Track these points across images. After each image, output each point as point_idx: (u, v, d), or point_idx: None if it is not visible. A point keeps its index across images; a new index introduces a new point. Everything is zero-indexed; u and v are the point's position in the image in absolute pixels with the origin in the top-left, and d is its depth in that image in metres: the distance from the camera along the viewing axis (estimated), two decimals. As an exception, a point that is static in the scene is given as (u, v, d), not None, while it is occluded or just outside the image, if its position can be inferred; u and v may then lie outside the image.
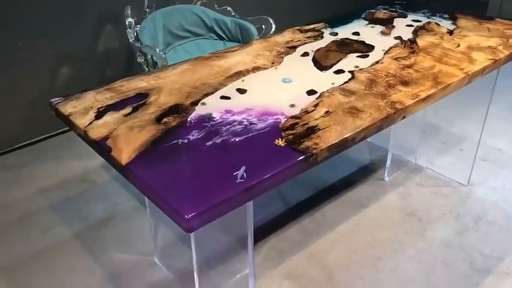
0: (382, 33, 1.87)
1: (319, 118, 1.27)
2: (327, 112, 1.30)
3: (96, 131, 1.21)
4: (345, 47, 1.75)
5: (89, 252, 1.84)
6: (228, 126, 1.25)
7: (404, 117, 1.35)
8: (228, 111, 1.33)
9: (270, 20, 2.35)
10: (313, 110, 1.31)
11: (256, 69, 1.58)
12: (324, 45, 1.77)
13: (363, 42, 1.79)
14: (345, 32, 1.90)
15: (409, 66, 1.56)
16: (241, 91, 1.44)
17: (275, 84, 1.47)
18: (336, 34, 1.88)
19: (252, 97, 1.40)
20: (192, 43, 2.46)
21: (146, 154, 1.13)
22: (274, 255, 1.80)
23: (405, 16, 2.09)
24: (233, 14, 2.49)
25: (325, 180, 2.23)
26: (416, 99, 1.36)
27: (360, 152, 2.43)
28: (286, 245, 1.84)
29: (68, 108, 1.32)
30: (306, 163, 1.13)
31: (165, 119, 1.27)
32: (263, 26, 2.38)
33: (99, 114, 1.29)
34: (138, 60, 2.22)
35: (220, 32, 2.50)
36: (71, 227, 1.98)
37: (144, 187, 1.05)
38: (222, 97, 1.40)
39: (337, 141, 1.18)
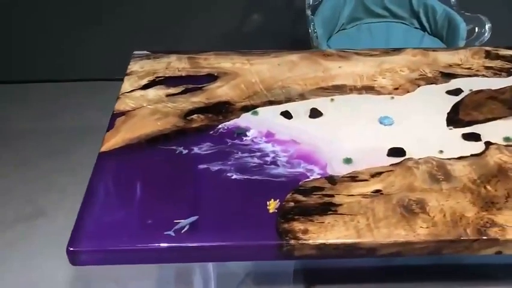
0: None
1: (355, 196, 0.87)
2: (377, 192, 0.88)
3: (125, 102, 1.12)
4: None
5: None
6: (246, 154, 0.98)
7: (499, 253, 0.80)
8: (269, 135, 1.04)
9: (486, 22, 1.71)
10: (365, 180, 0.91)
11: (366, 89, 1.18)
12: (496, 88, 1.19)
13: None
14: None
15: None
16: (314, 114, 1.10)
17: (367, 120, 1.07)
18: (538, 76, 1.24)
19: (318, 127, 1.05)
20: (384, 25, 2.02)
21: (130, 150, 0.98)
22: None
23: None
24: (453, 2, 1.92)
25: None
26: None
27: None
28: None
29: (135, 66, 1.25)
30: (273, 251, 0.80)
31: (194, 116, 1.08)
32: (476, 29, 1.77)
33: (149, 85, 1.18)
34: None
35: (424, 21, 1.97)
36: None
37: (89, 187, 0.91)
38: (283, 113, 1.11)
39: (337, 242, 0.79)
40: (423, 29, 2.00)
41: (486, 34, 1.73)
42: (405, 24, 2.03)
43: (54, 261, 1.50)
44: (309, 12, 1.91)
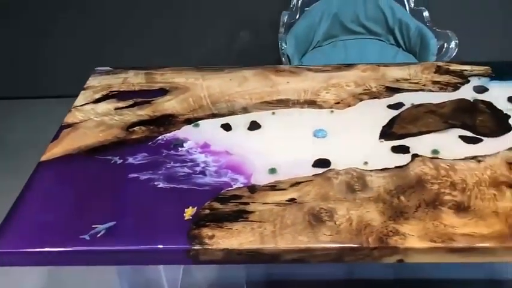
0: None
1: (269, 204, 0.90)
2: (291, 200, 0.91)
3: (74, 115, 1.18)
4: (462, 115, 1.14)
5: None
6: (178, 164, 1.02)
7: (400, 261, 0.81)
8: (205, 146, 1.08)
9: (453, 38, 1.73)
10: (284, 189, 0.93)
11: (309, 103, 1.21)
12: (437, 102, 1.20)
13: (502, 118, 1.13)
14: (503, 91, 1.22)
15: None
16: (253, 126, 1.14)
17: (303, 132, 1.10)
18: (483, 91, 1.24)
19: (254, 139, 1.09)
20: (360, 42, 2.05)
21: (68, 159, 1.03)
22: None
23: None
24: (426, 20, 1.94)
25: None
26: (433, 244, 0.79)
27: None
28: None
29: (94, 82, 1.32)
30: (181, 256, 0.83)
31: (136, 128, 1.13)
32: (444, 44, 1.78)
33: (102, 99, 1.24)
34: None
35: (399, 37, 1.99)
36: None
37: (21, 193, 0.96)
38: (223, 126, 1.15)
39: (240, 248, 0.82)
40: (398, 45, 2.02)
41: (453, 49, 1.75)
42: (381, 40, 2.06)
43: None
44: (282, 30, 1.96)
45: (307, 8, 2.07)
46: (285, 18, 1.99)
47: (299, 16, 2.07)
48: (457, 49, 1.71)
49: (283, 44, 1.78)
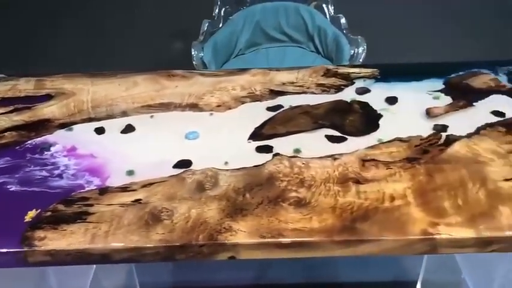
0: (429, 113, 1.15)
1: (114, 205, 0.89)
2: (136, 201, 0.90)
3: None
4: (335, 115, 1.15)
5: None
6: (38, 168, 1.01)
7: (232, 258, 0.81)
8: (72, 149, 1.07)
9: (362, 44, 1.76)
10: (134, 190, 0.93)
11: (190, 107, 1.22)
12: (317, 103, 1.22)
13: (374, 117, 1.15)
14: (384, 92, 1.22)
15: (367, 181, 0.90)
16: (127, 129, 1.14)
17: (175, 134, 1.10)
18: (365, 92, 1.26)
19: (124, 142, 1.08)
20: (282, 49, 2.07)
21: None
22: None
23: (521, 95, 1.23)
24: (343, 26, 1.97)
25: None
26: (259, 240, 0.79)
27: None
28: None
29: (-20, 89, 1.32)
30: (13, 258, 0.82)
31: (7, 133, 1.12)
32: (355, 50, 1.82)
33: (-18, 105, 1.24)
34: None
35: (318, 44, 2.03)
36: None
37: None
38: (97, 129, 1.14)
39: (68, 248, 0.81)
40: (318, 51, 2.06)
41: (361, 54, 1.78)
42: (302, 48, 2.09)
43: None
44: (201, 38, 1.97)
45: (231, 17, 2.10)
46: (205, 26, 2.00)
47: (222, 25, 2.10)
48: (364, 54, 1.75)
49: (196, 51, 1.79)
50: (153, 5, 2.59)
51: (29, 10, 2.42)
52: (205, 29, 2.00)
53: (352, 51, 1.85)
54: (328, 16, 2.06)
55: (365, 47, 1.76)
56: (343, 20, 1.99)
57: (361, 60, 1.76)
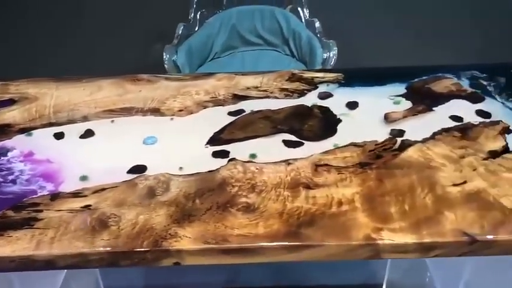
0: (387, 118, 1.16)
1: (63, 211, 0.88)
2: (86, 207, 0.91)
3: None
4: (294, 120, 1.15)
5: None
6: (-7, 173, 1.02)
7: (177, 264, 0.81)
8: (29, 154, 1.07)
9: (333, 48, 1.77)
10: (85, 196, 0.93)
11: (152, 111, 1.22)
12: (279, 107, 1.22)
13: (333, 122, 1.16)
14: (345, 97, 1.22)
15: (317, 186, 0.90)
16: (86, 134, 1.14)
17: (134, 139, 1.10)
18: (327, 97, 1.27)
19: (82, 147, 1.08)
20: (257, 53, 2.08)
21: None
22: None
23: (480, 99, 1.24)
24: (318, 30, 1.98)
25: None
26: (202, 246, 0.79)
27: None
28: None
29: None
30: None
31: (-36, 138, 1.13)
32: (327, 53, 1.82)
33: None
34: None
35: (293, 47, 2.04)
36: None
37: None
38: (56, 134, 1.14)
39: (12, 255, 0.80)
40: (293, 55, 2.07)
41: (332, 58, 1.79)
42: (277, 51, 2.10)
43: None
44: (175, 41, 1.98)
45: (207, 20, 2.11)
46: (180, 29, 2.01)
47: (198, 28, 2.11)
48: (335, 58, 1.76)
49: (168, 55, 1.80)
50: (133, 8, 2.60)
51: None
52: (180, 32, 2.00)
53: (325, 55, 1.86)
54: (303, 20, 2.08)
55: (336, 51, 1.77)
56: (317, 24, 2.00)
57: (332, 64, 1.77)
